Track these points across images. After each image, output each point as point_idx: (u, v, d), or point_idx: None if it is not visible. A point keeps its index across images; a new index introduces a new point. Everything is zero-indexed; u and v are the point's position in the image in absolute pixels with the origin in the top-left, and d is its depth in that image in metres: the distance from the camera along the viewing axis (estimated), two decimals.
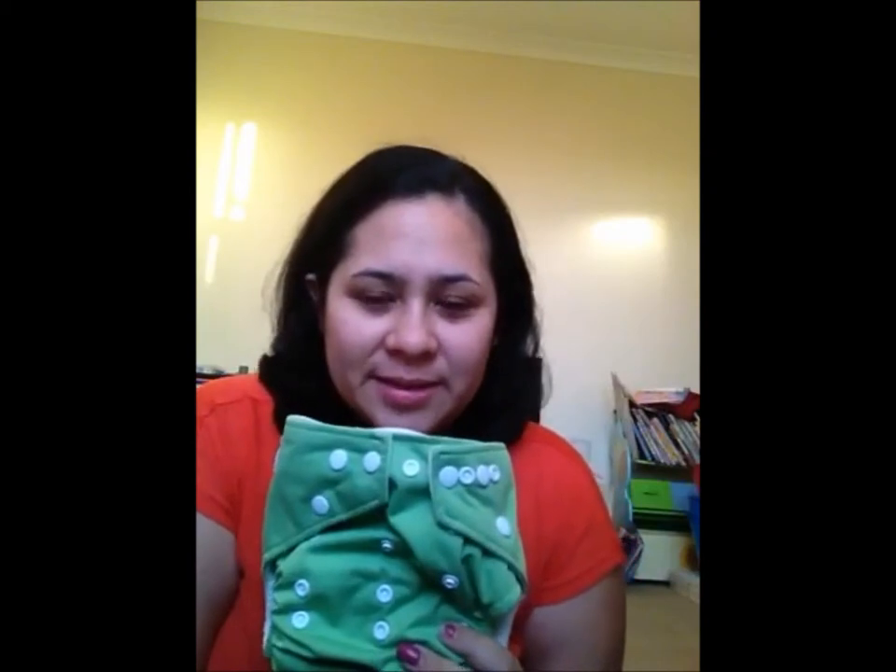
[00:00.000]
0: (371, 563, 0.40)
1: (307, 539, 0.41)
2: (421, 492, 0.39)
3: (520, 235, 0.59)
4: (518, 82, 3.69)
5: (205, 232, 3.44)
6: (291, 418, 0.44)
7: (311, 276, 0.57)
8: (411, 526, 0.39)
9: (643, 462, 3.16)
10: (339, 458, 0.40)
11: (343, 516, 0.40)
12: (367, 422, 0.51)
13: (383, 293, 0.50)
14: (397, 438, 0.40)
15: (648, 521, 3.08)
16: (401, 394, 0.50)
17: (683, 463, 3.15)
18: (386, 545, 0.40)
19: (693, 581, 2.80)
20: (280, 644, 0.40)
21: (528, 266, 0.60)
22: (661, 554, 3.04)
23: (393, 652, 0.39)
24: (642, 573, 2.99)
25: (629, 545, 2.96)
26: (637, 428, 3.22)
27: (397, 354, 0.49)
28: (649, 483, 3.16)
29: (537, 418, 0.61)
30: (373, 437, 0.40)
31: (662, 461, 3.17)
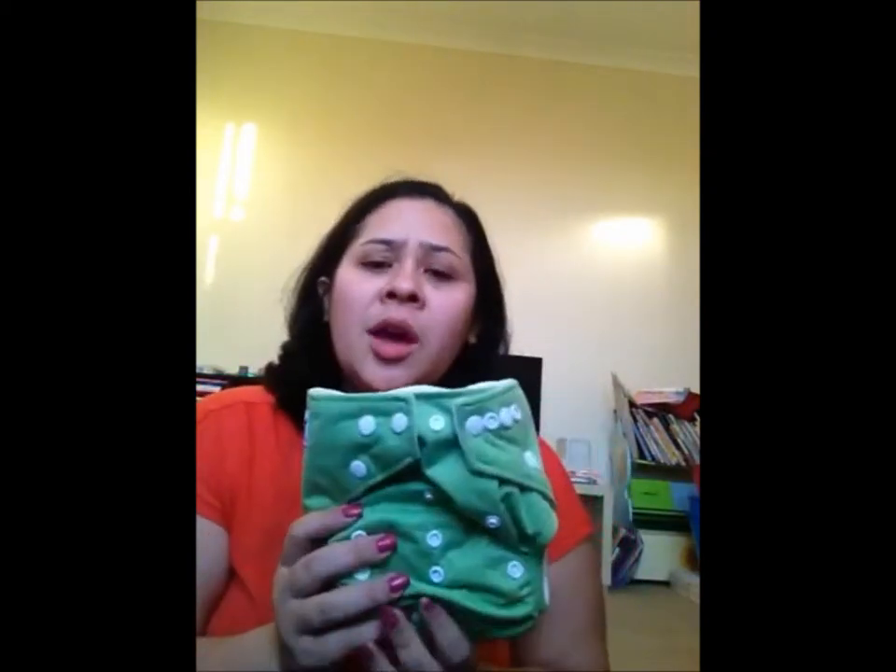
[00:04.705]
0: (418, 512, 0.42)
1: (354, 500, 0.43)
2: (450, 444, 0.41)
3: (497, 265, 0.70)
4: (518, 82, 3.69)
5: (205, 232, 3.44)
6: (312, 392, 0.45)
7: (323, 279, 0.66)
8: (446, 477, 0.41)
9: (643, 462, 3.17)
10: (367, 424, 0.42)
11: (381, 476, 0.42)
12: (359, 386, 0.57)
13: (383, 258, 0.61)
14: (419, 396, 0.42)
15: (648, 521, 3.09)
16: (388, 346, 0.58)
17: (683, 463, 3.15)
18: (428, 496, 0.42)
19: (693, 580, 2.80)
20: None
21: (502, 281, 0.71)
22: (661, 554, 3.04)
23: (451, 593, 0.41)
24: (642, 573, 2.99)
25: (629, 545, 2.96)
26: (637, 428, 3.22)
27: (389, 297, 0.58)
28: (649, 482, 3.16)
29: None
30: (396, 399, 0.42)
31: (662, 461, 3.17)
